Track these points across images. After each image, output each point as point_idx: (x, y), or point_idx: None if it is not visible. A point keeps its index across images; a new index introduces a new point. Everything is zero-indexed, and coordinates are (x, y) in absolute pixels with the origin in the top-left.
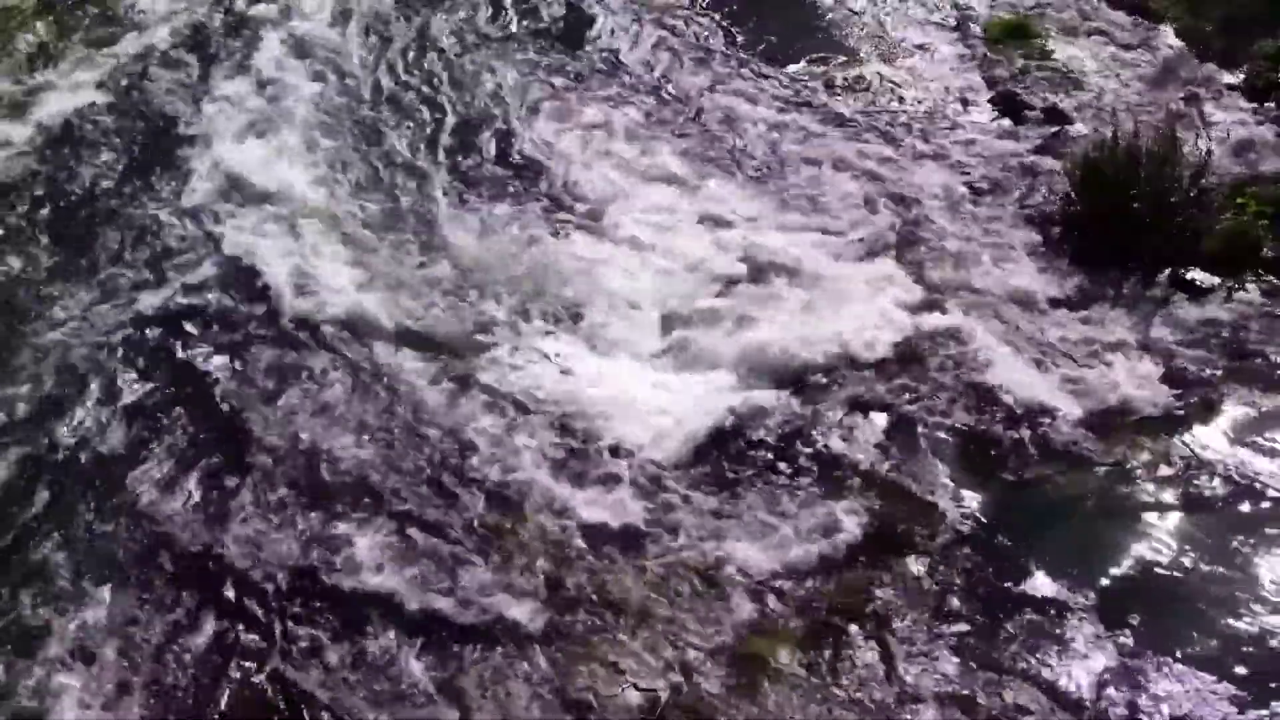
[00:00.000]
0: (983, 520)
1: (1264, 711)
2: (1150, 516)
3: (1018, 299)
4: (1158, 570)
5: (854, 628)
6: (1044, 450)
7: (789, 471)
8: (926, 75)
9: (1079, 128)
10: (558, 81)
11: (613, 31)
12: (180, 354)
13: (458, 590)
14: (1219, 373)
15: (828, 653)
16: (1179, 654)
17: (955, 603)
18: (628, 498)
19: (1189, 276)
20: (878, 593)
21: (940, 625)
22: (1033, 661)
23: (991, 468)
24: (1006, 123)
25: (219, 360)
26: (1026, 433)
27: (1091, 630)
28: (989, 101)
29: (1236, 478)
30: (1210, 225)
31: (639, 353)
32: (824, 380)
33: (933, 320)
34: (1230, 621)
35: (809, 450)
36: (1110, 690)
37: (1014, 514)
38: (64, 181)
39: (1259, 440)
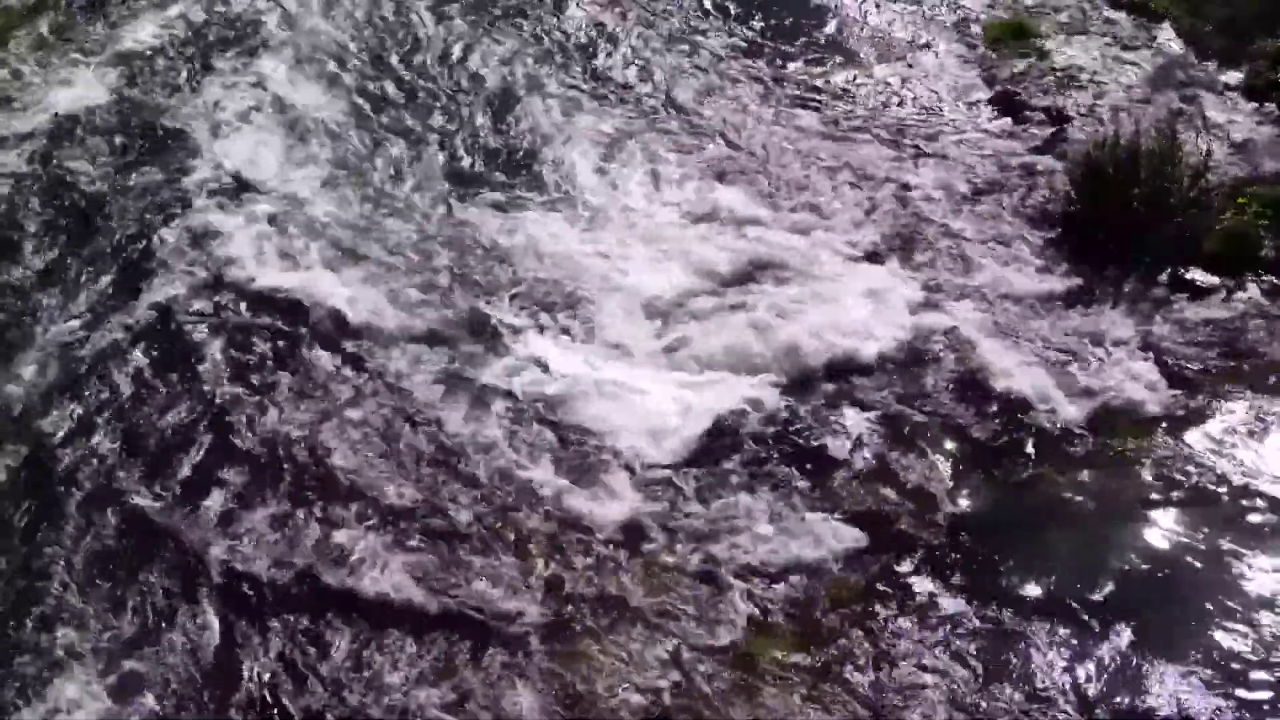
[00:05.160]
0: (982, 520)
1: (1264, 712)
2: (1150, 516)
3: (1017, 298)
4: (1158, 570)
5: (853, 628)
6: (1044, 450)
7: (788, 471)
8: (926, 75)
9: (1079, 128)
10: (553, 85)
11: (607, 30)
12: (180, 353)
13: (457, 589)
14: (1219, 373)
15: (828, 653)
16: (1179, 654)
17: (954, 603)
18: (627, 497)
19: (1189, 276)
20: (877, 592)
21: (939, 625)
22: (1032, 661)
23: (991, 467)
24: (1006, 123)
25: (218, 359)
26: (1026, 432)
27: (1091, 630)
28: (989, 101)
29: (1236, 478)
30: (1210, 225)
31: (639, 351)
32: (823, 380)
33: (932, 319)
34: (1230, 621)
35: (808, 449)
36: (1110, 690)
37: (1014, 514)
38: (64, 180)
39: (1259, 440)
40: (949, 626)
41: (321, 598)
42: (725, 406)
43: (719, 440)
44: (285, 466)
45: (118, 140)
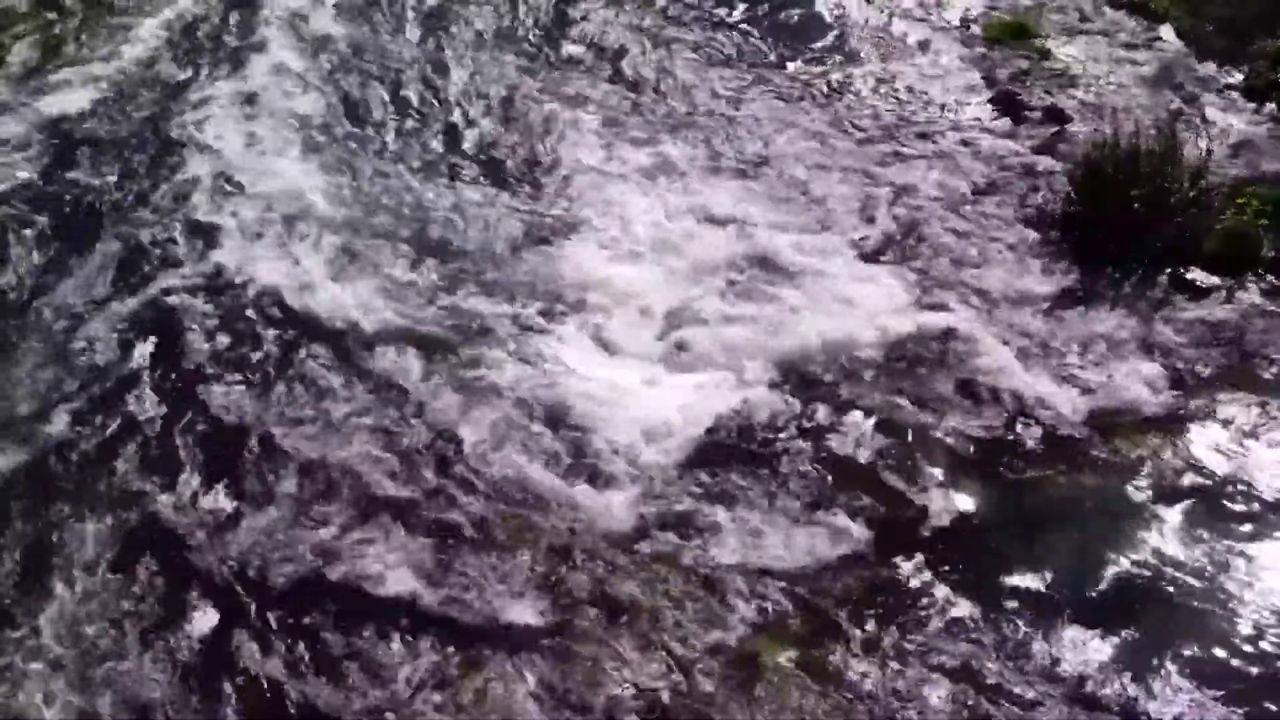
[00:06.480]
0: (982, 520)
1: (1263, 713)
2: (1150, 516)
3: (1017, 299)
4: (1158, 570)
5: (854, 628)
6: (1044, 450)
7: (788, 471)
8: (926, 75)
9: (1079, 128)
10: (555, 79)
11: (607, 28)
12: (179, 353)
13: (457, 590)
14: (1219, 373)
15: (828, 653)
16: (1178, 654)
17: (954, 603)
18: (627, 497)
19: (1189, 276)
20: (877, 593)
21: (939, 625)
22: (1032, 661)
23: (991, 468)
24: (1006, 123)
25: (217, 359)
26: (1026, 433)
27: (1091, 630)
28: (989, 101)
29: (1236, 478)
30: (1210, 225)
31: (639, 352)
32: (823, 380)
33: (932, 320)
34: (1230, 622)
35: (808, 450)
36: (1110, 690)
37: (1014, 514)
38: (64, 181)
39: (1259, 440)
40: (950, 627)
41: (320, 596)
42: (725, 406)
43: (719, 440)
44: (285, 465)
45: (116, 139)
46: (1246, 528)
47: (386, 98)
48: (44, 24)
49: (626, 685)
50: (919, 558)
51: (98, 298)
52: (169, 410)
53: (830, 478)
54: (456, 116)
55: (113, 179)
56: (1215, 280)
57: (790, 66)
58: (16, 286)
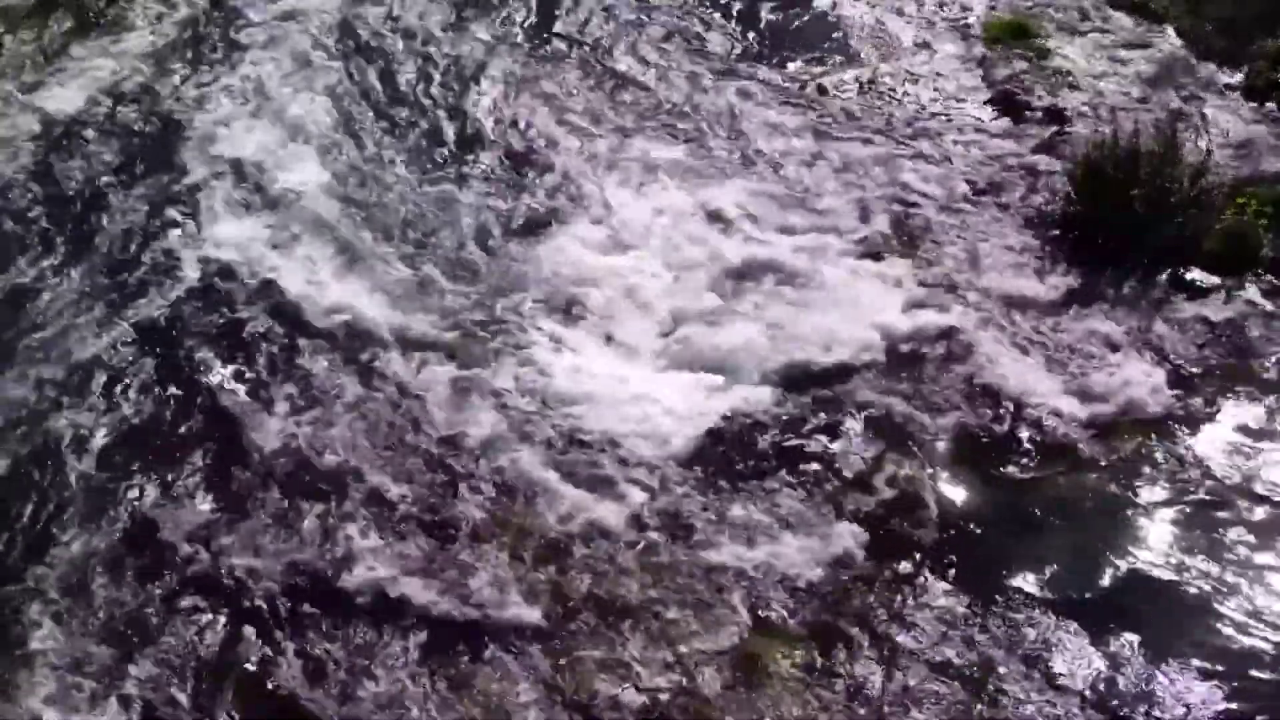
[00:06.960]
0: (982, 520)
1: (1262, 712)
2: (1150, 516)
3: (1017, 299)
4: (1158, 570)
5: (853, 628)
6: (1044, 450)
7: (789, 471)
8: (926, 75)
9: (1079, 128)
10: (552, 74)
11: (613, 27)
12: (179, 352)
13: (458, 589)
14: (1219, 373)
15: (827, 653)
16: (1178, 654)
17: (954, 603)
18: (628, 497)
19: (1189, 276)
20: (877, 593)
21: (940, 625)
22: (1032, 662)
23: (991, 468)
24: (1006, 123)
25: (218, 359)
26: (1026, 433)
27: (1090, 630)
28: (989, 101)
29: (1236, 478)
30: (1210, 225)
31: (639, 351)
32: (824, 380)
33: (932, 320)
34: (1229, 621)
35: (809, 450)
36: (1109, 690)
37: (1014, 514)
38: (64, 181)
39: (1259, 440)
40: (949, 627)
41: (321, 598)
42: (726, 406)
43: (720, 440)
44: (285, 465)
45: (116, 138)
46: (1246, 526)
47: (386, 93)
48: (46, 19)
49: (627, 685)
50: (918, 557)
51: (99, 287)
52: (166, 402)
53: (829, 477)
54: (453, 110)
55: (114, 171)
56: (1215, 280)
57: (790, 66)
58: (22, 275)
